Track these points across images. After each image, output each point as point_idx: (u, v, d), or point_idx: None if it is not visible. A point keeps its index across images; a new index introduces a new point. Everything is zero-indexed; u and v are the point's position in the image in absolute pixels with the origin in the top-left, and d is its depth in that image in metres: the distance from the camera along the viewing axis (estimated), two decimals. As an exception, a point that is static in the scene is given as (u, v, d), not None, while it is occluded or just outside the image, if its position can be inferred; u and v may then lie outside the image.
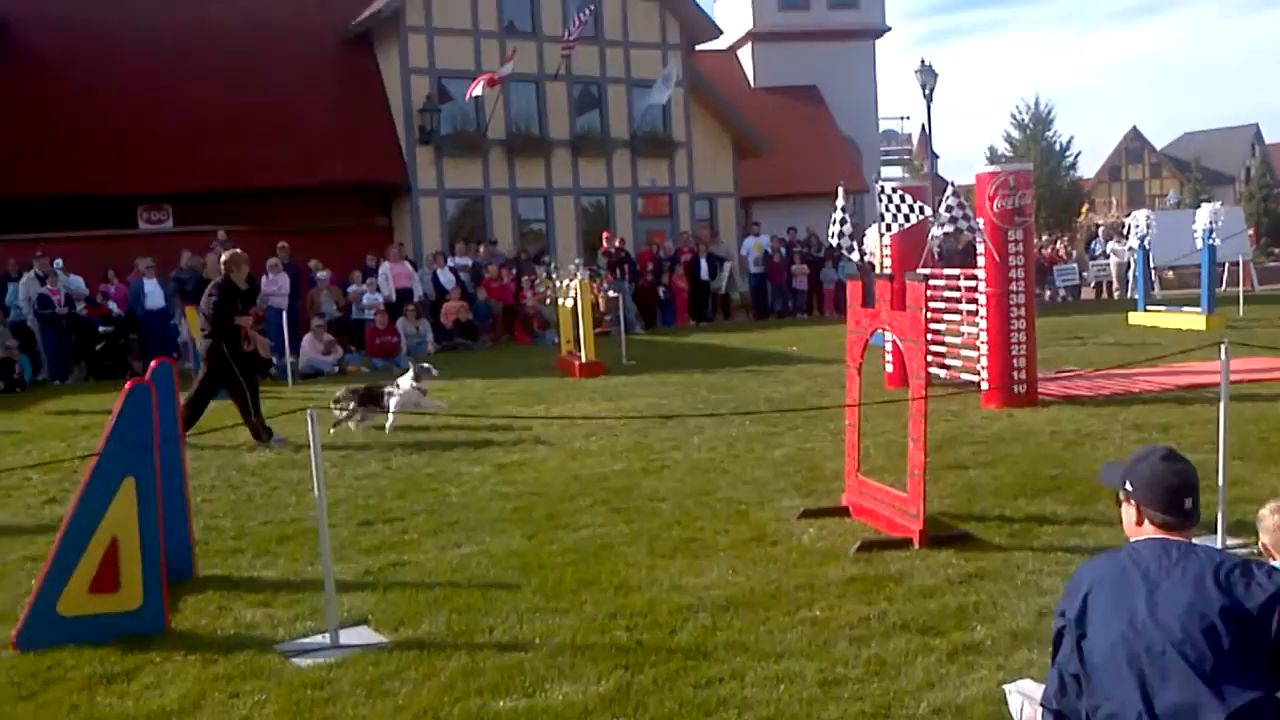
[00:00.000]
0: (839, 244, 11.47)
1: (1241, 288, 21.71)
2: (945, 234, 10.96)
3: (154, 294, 18.68)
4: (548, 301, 18.65)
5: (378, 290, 20.69)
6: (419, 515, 7.47)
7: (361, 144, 24.60)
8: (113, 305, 18.96)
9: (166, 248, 20.36)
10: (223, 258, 10.72)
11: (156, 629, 5.29)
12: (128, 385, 5.45)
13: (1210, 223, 18.17)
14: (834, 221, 11.43)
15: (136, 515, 5.26)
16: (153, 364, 6.20)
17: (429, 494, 8.14)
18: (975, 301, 11.14)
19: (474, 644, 4.97)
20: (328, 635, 5.10)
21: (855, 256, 12.93)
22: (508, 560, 6.27)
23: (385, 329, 18.71)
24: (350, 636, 5.13)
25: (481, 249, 23.77)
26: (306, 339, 17.42)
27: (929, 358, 10.81)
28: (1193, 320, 17.84)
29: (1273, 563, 3.50)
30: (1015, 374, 10.76)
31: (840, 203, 11.40)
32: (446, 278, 22.09)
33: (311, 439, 5.12)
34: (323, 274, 20.93)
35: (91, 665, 4.91)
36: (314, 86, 25.12)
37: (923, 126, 35.57)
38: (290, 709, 4.35)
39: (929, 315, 10.92)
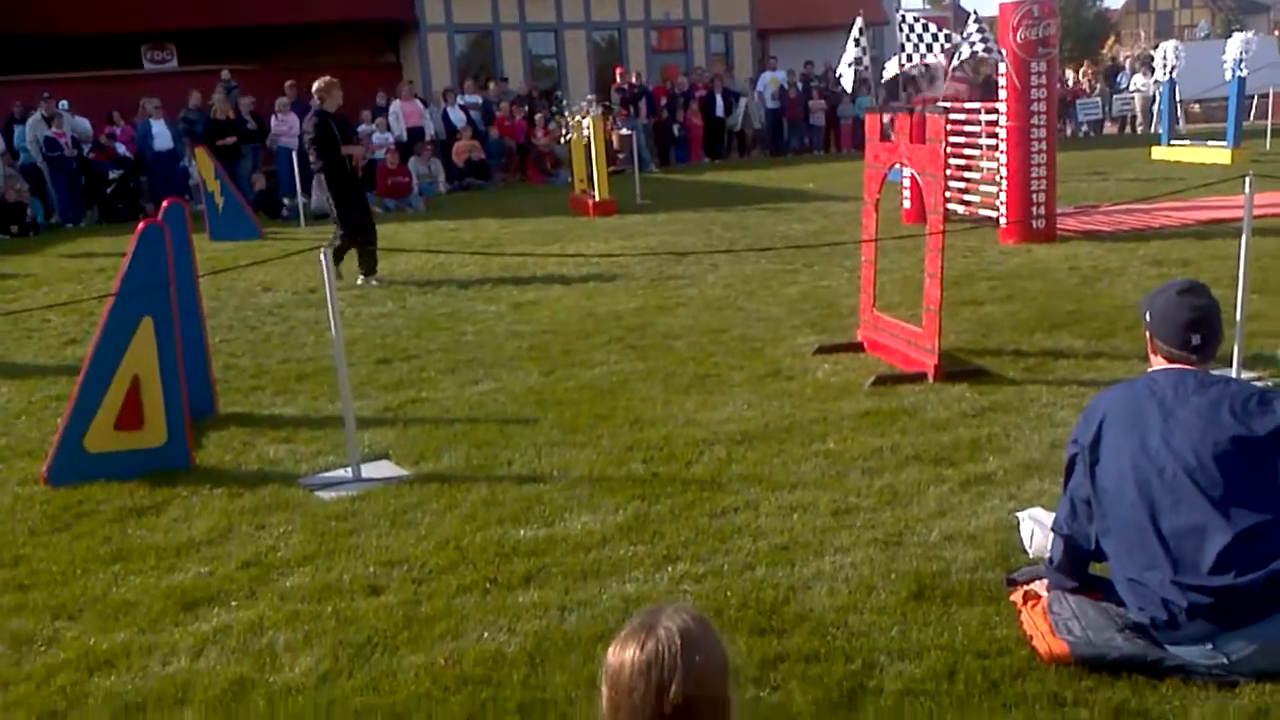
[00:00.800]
0: (851, 78, 11.15)
1: (1270, 120, 21.21)
2: (966, 61, 10.64)
3: (162, 135, 18.43)
4: (561, 140, 18.37)
5: (388, 129, 20.39)
6: (436, 353, 7.53)
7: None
8: (120, 147, 18.74)
9: (172, 88, 20.03)
10: (315, 85, 10.17)
11: (183, 464, 5.39)
12: (140, 226, 5.43)
13: (1240, 53, 17.65)
14: (848, 55, 11.10)
15: (156, 354, 5.30)
16: (165, 204, 6.17)
17: (445, 333, 8.18)
18: (996, 136, 10.93)
19: (493, 476, 5.06)
20: (349, 469, 5.19)
21: (867, 97, 12.62)
22: (525, 396, 6.33)
23: (397, 169, 18.50)
24: (372, 470, 5.23)
25: (492, 86, 23.31)
26: (315, 180, 17.23)
27: (947, 193, 10.69)
28: (1217, 154, 17.50)
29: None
30: (1034, 209, 10.63)
31: (856, 35, 11.05)
32: (457, 116, 21.72)
33: (326, 278, 5.12)
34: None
35: (121, 499, 5.03)
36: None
37: (945, -46, 34.28)
38: (315, 539, 4.46)
39: (948, 150, 10.76)
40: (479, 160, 21.06)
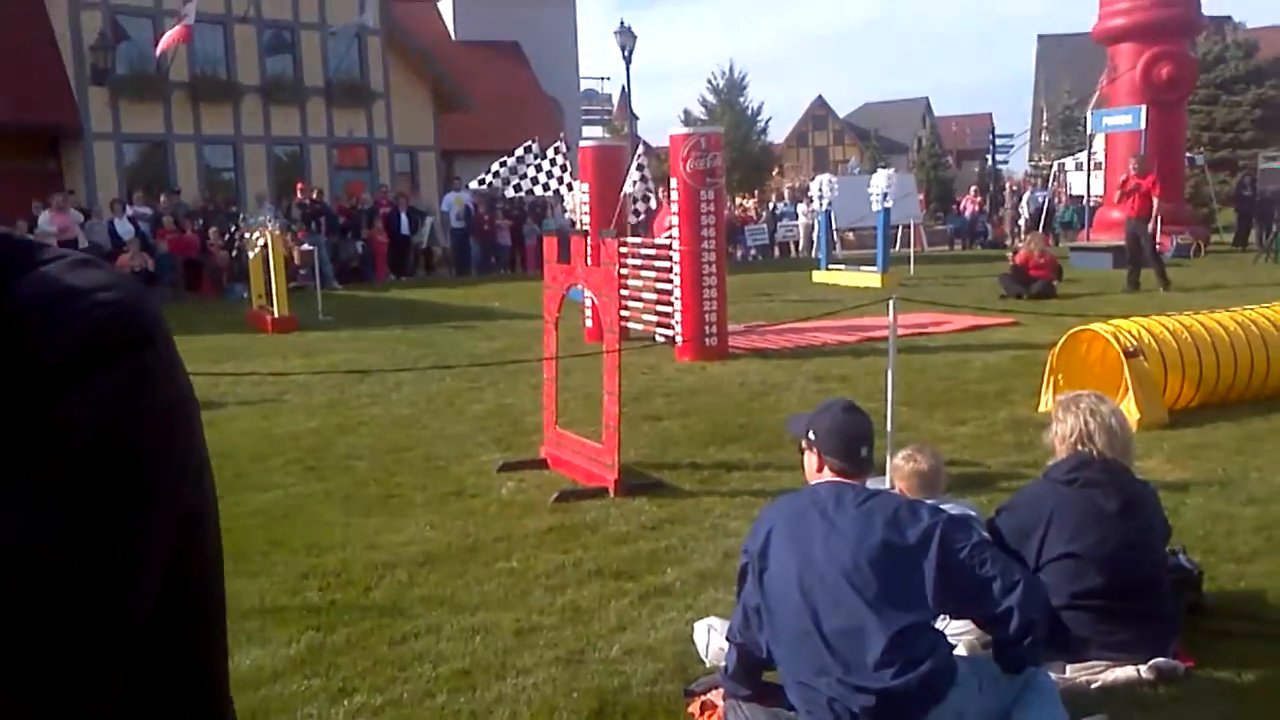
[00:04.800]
0: (515, 191, 11.65)
1: (913, 248, 23.39)
2: (635, 198, 11.22)
3: None
4: (235, 254, 17.76)
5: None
6: (92, 480, 6.96)
7: (24, 81, 22.46)
8: None
9: None
10: None
11: None
12: None
13: (885, 188, 19.42)
14: (507, 166, 11.54)
15: None
16: None
17: (103, 457, 7.59)
18: (670, 259, 11.46)
19: (153, 613, 4.69)
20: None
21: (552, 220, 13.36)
22: (191, 524, 5.94)
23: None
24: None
25: (163, 198, 22.30)
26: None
27: (626, 312, 11.09)
28: (869, 278, 19.05)
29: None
30: (707, 328, 11.18)
31: (520, 152, 11.52)
32: (125, 228, 20.59)
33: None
34: (-20, 222, 19.02)
35: None
36: (-34, 15, 22.72)
37: (623, 87, 36.19)
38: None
39: (625, 272, 11.21)
40: (147, 272, 19.97)
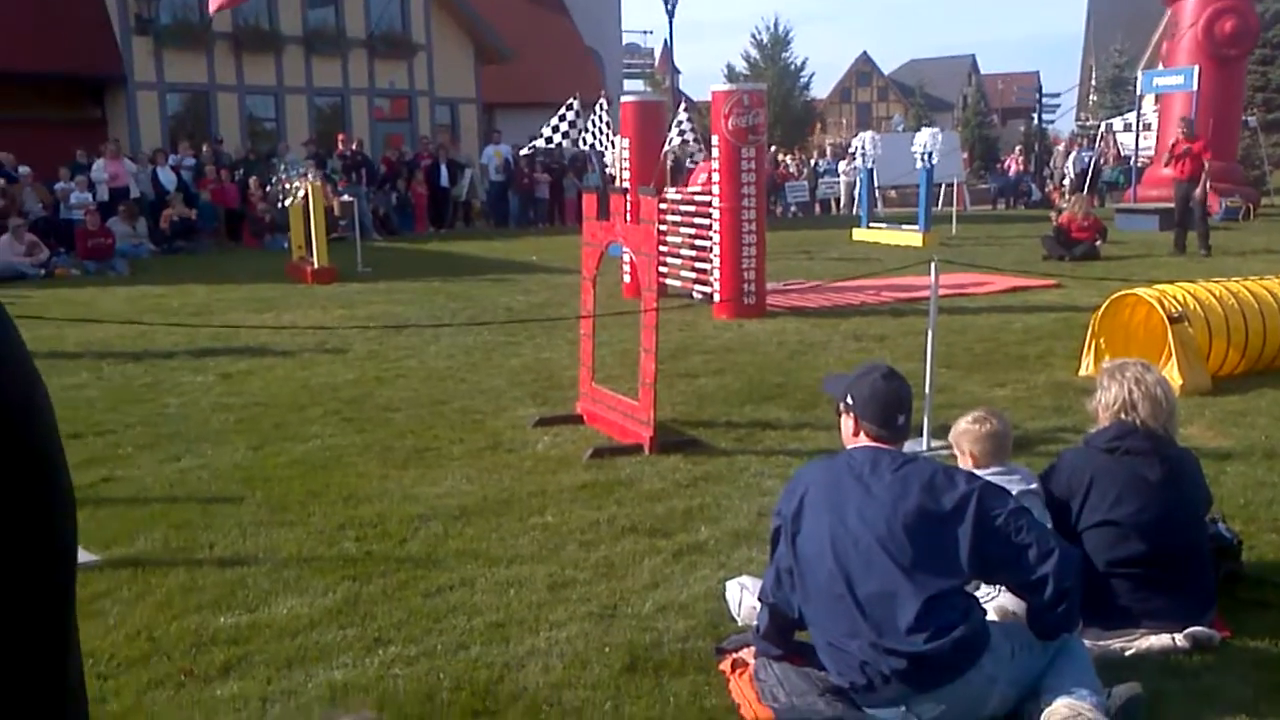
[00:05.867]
0: (546, 143, 11.69)
1: (955, 207, 23.14)
2: (677, 148, 11.14)
3: None
4: (279, 204, 17.85)
5: (89, 188, 19.22)
6: (134, 427, 7.06)
7: (69, 30, 22.58)
8: None
9: None
10: None
11: None
12: None
13: (928, 146, 19.21)
14: (554, 124, 11.56)
15: None
16: None
17: (146, 405, 7.70)
18: (709, 216, 11.40)
19: (193, 560, 4.77)
20: (29, 555, 4.76)
21: (594, 174, 13.41)
22: (231, 473, 6.02)
23: (97, 229, 17.43)
24: (54, 556, 4.81)
25: (205, 148, 22.43)
26: (4, 240, 16.01)
27: (664, 269, 11.06)
28: (910, 237, 18.90)
29: (983, 471, 3.77)
30: (745, 286, 11.12)
31: (563, 110, 11.52)
32: (168, 177, 20.76)
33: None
34: (24, 169, 19.23)
35: None
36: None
37: (665, 41, 35.82)
38: (-15, 634, 4.04)
39: (664, 228, 11.17)
40: (189, 222, 20.13)
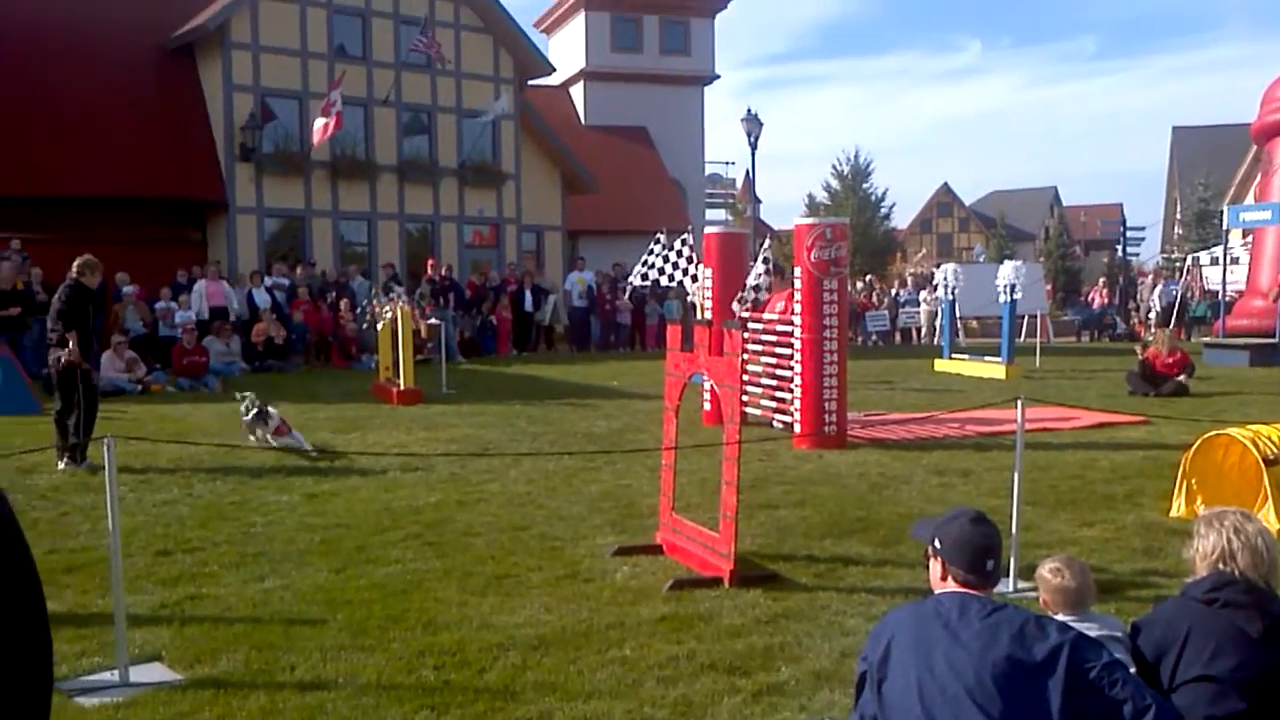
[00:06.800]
0: (642, 281, 11.92)
1: (1039, 339, 22.95)
2: (763, 281, 11.26)
3: (-62, 302, 17.47)
4: (365, 326, 18.30)
5: (189, 307, 19.91)
6: (221, 546, 7.19)
7: (179, 157, 23.76)
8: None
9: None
10: (77, 261, 10.08)
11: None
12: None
13: (1012, 278, 19.16)
14: (645, 260, 11.80)
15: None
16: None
17: (232, 523, 7.84)
18: (791, 347, 11.44)
19: (274, 683, 4.80)
20: (117, 672, 4.84)
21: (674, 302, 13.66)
22: (313, 595, 6.08)
23: (193, 348, 17.99)
24: (141, 674, 4.88)
25: (299, 270, 23.17)
26: (106, 355, 16.58)
27: (744, 398, 11.08)
28: (993, 369, 18.74)
29: (1060, 617, 3.69)
30: (826, 417, 11.09)
31: (652, 244, 11.76)
32: (262, 298, 21.43)
33: (107, 464, 4.87)
34: (130, 288, 20.02)
35: None
36: (133, 96, 24.14)
37: (747, 172, 36.41)
38: (70, 753, 4.10)
39: (745, 357, 11.23)
40: (280, 342, 20.69)
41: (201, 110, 24.55)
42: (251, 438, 11.04)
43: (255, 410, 11.07)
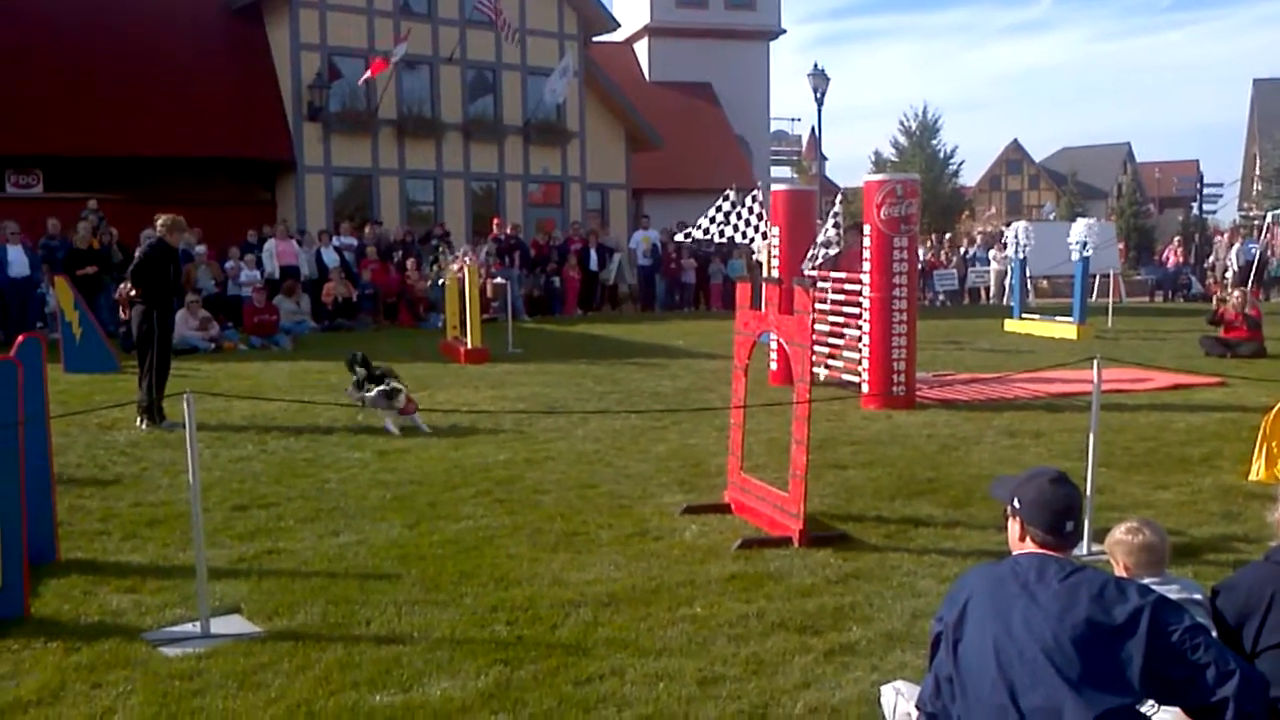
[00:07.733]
0: (703, 234, 11.89)
1: (1111, 299, 22.54)
2: (833, 237, 11.16)
3: (19, 261, 17.87)
4: (433, 284, 18.44)
5: (258, 266, 20.19)
6: (295, 501, 7.32)
7: (247, 117, 24.02)
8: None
9: (34, 213, 19.58)
10: (161, 219, 10.16)
11: (15, 613, 5.08)
12: (-8, 360, 5.22)
13: (1085, 237, 18.81)
14: (711, 215, 11.76)
15: (-3, 495, 5.05)
16: (19, 339, 5.95)
17: (306, 479, 7.97)
18: (859, 305, 11.34)
19: (350, 636, 4.89)
20: (198, 624, 4.96)
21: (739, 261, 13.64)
22: (387, 550, 6.17)
23: (264, 306, 18.26)
24: (221, 625, 5.00)
25: (367, 229, 23.38)
26: (180, 314, 16.85)
27: (812, 357, 11.02)
28: (1065, 329, 18.46)
29: (1139, 579, 3.64)
30: (895, 377, 10.99)
31: (720, 200, 11.70)
32: (330, 257, 21.66)
33: (187, 420, 4.96)
34: (200, 248, 20.34)
35: (-57, 651, 4.70)
36: (200, 56, 24.43)
37: (813, 129, 36.01)
38: (156, 700, 4.21)
39: (814, 317, 11.16)
40: (349, 300, 20.93)
41: (269, 70, 24.77)
42: (359, 404, 10.06)
43: (382, 387, 9.80)
